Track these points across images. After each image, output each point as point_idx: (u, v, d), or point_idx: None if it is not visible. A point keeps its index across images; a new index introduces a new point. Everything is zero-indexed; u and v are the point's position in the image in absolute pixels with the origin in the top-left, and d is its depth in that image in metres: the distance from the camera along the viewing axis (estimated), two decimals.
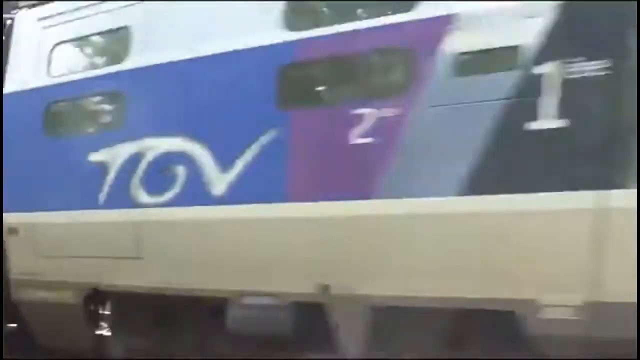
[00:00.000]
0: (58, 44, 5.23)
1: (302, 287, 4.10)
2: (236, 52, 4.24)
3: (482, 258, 3.55)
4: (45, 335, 5.46)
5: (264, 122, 4.15)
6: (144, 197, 4.65)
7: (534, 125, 3.40)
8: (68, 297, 5.13)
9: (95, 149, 4.84)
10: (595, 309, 3.33)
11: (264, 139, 4.14)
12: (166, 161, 4.54)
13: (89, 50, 5.29)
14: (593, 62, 3.27)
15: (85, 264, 5.01)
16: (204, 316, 4.74)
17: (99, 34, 5.13)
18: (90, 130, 5.31)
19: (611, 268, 3.30)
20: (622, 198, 3.23)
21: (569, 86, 3.32)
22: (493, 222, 3.53)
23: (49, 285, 5.18)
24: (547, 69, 3.36)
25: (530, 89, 3.41)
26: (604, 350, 3.34)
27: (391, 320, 3.87)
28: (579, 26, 3.36)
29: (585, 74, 3.29)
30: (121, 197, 4.71)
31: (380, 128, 3.77)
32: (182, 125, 4.50)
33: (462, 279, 3.61)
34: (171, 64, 4.52)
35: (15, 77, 5.34)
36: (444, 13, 3.62)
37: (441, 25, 3.62)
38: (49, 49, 5.22)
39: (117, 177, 4.75)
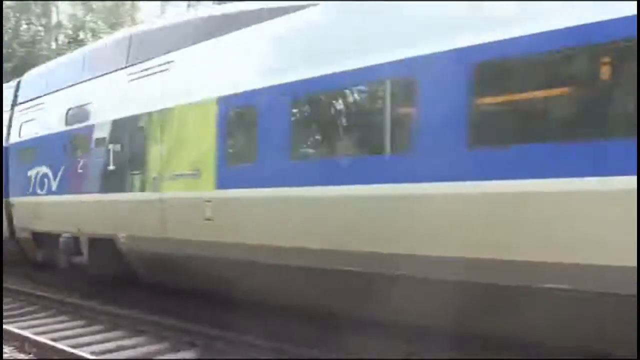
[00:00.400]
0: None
1: (73, 229, 10.11)
2: (61, 133, 10.38)
3: (115, 219, 9.28)
4: (26, 250, 12.14)
5: (63, 160, 10.24)
6: (38, 191, 11.06)
7: (109, 168, 9.04)
8: (28, 234, 11.75)
9: (33, 169, 11.39)
10: (131, 239, 8.86)
11: (63, 168, 10.25)
12: (43, 176, 10.88)
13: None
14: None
15: (29, 220, 11.56)
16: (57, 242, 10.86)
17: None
18: (27, 162, 11.79)
19: (138, 224, 8.81)
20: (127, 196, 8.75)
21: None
22: (105, 205, 9.22)
23: (23, 229, 11.86)
24: (113, 147, 8.99)
25: (104, 154, 9.05)
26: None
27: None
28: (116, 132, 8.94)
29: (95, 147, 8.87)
30: (34, 191, 11.18)
31: (83, 166, 9.66)
32: (45, 161, 10.80)
33: (102, 225, 9.35)
34: (44, 137, 10.86)
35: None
36: (93, 123, 9.41)
37: (91, 128, 9.41)
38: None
39: (33, 182, 11.23)
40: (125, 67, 9.02)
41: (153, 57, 8.50)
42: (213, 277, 7.62)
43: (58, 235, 10.40)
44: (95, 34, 31.48)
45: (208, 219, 7.37)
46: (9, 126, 12.21)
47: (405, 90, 5.45)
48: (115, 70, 9.26)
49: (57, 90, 10.82)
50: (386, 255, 5.45)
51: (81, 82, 10.13)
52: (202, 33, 7.86)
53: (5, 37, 31.56)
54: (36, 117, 11.38)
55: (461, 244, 4.90)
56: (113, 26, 33.02)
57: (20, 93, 12.18)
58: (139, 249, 8.72)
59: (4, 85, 12.98)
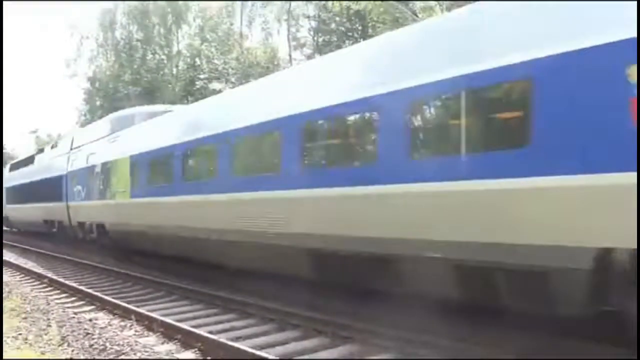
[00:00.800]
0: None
1: (90, 219, 18.67)
2: (86, 167, 19.08)
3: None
4: (76, 233, 20.88)
5: (85, 182, 18.91)
6: (79, 198, 19.82)
7: (100, 186, 17.51)
8: (76, 223, 20.50)
9: (77, 186, 20.21)
10: (110, 224, 17.30)
11: (86, 186, 18.92)
12: (79, 190, 19.64)
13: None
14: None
15: (75, 215, 20.33)
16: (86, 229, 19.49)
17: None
18: (74, 182, 20.54)
19: (109, 216, 17.24)
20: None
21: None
22: (100, 206, 17.71)
23: (74, 221, 20.65)
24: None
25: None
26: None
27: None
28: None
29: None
30: (78, 198, 19.96)
31: (92, 185, 18.25)
32: (80, 182, 19.56)
33: (100, 217, 17.85)
34: (79, 169, 19.67)
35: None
36: (95, 163, 18.00)
37: (94, 166, 18.01)
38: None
39: (75, 193, 20.04)
40: (109, 135, 17.53)
41: (117, 131, 16.95)
42: (136, 241, 15.80)
43: (84, 223, 19.11)
44: (210, 60, 36.76)
45: (129, 212, 15.56)
46: (68, 161, 21.25)
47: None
48: (106, 136, 17.80)
49: (86, 143, 19.62)
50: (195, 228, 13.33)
51: (94, 140, 18.82)
52: (134, 121, 16.23)
53: (134, 65, 39.01)
54: (77, 158, 20.25)
55: None
56: (225, 53, 38.32)
57: (73, 143, 21.21)
58: (113, 229, 17.04)
59: (69, 136, 22.18)
